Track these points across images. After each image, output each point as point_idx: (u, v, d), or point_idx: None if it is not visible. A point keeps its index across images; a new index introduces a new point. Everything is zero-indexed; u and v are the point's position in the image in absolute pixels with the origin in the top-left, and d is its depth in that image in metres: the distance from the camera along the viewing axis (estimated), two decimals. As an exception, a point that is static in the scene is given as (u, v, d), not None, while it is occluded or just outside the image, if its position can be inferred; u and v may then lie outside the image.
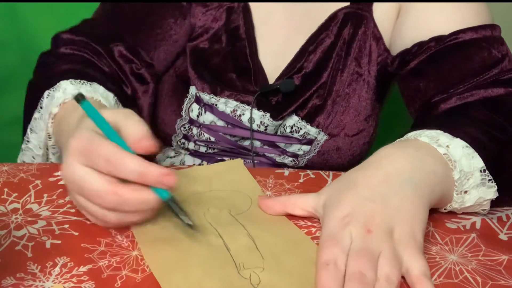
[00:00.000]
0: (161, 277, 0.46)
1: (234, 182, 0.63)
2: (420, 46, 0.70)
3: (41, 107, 0.65)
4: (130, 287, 0.45)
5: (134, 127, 0.50)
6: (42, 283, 0.45)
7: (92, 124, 0.50)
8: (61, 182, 0.62)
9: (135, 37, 0.77)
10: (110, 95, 0.66)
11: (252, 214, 0.56)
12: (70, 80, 0.64)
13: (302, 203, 0.55)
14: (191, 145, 0.83)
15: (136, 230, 0.53)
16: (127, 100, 0.72)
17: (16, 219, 0.54)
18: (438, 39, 0.68)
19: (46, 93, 0.65)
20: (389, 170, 0.52)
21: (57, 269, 0.47)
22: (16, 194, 0.59)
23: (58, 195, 0.59)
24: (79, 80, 0.65)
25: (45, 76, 0.69)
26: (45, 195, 0.59)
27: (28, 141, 0.69)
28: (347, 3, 0.76)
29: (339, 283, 0.44)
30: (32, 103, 0.67)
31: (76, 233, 0.52)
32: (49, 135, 0.66)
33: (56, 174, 0.63)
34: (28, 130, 0.68)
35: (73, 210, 0.56)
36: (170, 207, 0.50)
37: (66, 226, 0.53)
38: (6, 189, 0.59)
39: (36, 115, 0.66)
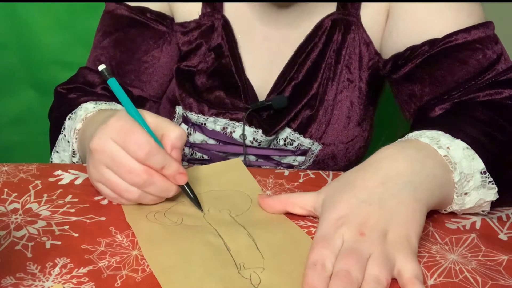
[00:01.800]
0: (161, 276, 0.46)
1: (234, 181, 0.63)
2: (413, 50, 0.69)
3: (63, 128, 0.70)
4: (130, 287, 0.45)
5: (176, 133, 0.56)
6: (42, 283, 0.45)
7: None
8: (61, 183, 0.62)
9: (124, 79, 0.79)
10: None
11: (252, 214, 0.56)
12: (90, 101, 0.70)
13: (302, 202, 0.55)
14: (184, 164, 0.82)
15: (137, 229, 0.53)
16: None
17: (16, 219, 0.54)
18: (431, 43, 0.67)
19: (67, 116, 0.70)
20: (388, 172, 0.51)
21: (57, 269, 0.47)
22: (16, 194, 0.59)
23: (58, 195, 0.59)
24: (96, 102, 0.70)
25: (65, 107, 0.73)
26: (45, 195, 0.59)
27: (51, 161, 0.73)
28: (333, 9, 0.75)
29: (325, 283, 0.44)
30: (56, 131, 0.72)
31: (76, 235, 0.52)
32: (73, 152, 0.68)
33: (55, 174, 0.63)
34: (52, 152, 0.72)
35: (73, 210, 0.56)
36: (184, 191, 0.57)
37: (66, 227, 0.53)
38: (6, 189, 0.59)
39: (60, 137, 0.71)
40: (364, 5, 0.74)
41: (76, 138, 0.67)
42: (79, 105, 0.70)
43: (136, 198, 0.55)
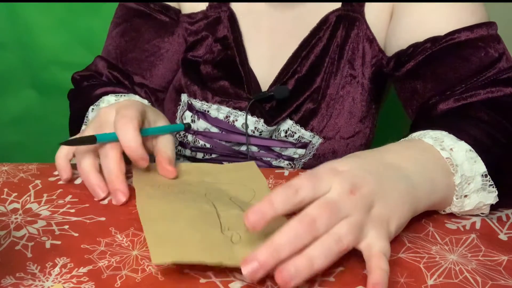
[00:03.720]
0: (145, 224, 0.49)
1: (243, 178, 0.64)
2: (415, 47, 0.69)
3: (87, 119, 0.73)
4: (130, 287, 0.45)
5: (163, 148, 0.63)
6: (42, 283, 0.45)
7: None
8: (61, 182, 0.62)
9: (127, 66, 0.82)
10: (145, 101, 0.75)
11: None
12: (110, 94, 0.74)
13: None
14: (187, 152, 0.83)
15: (138, 190, 0.57)
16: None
17: (16, 219, 0.54)
18: (433, 40, 0.68)
19: (90, 108, 0.73)
20: (392, 162, 0.52)
21: (57, 269, 0.47)
22: (16, 194, 0.59)
23: (58, 195, 0.59)
24: (117, 94, 0.74)
25: (84, 99, 0.76)
26: (45, 194, 0.59)
27: None
28: (338, 5, 0.75)
29: (288, 204, 0.44)
30: (78, 122, 0.75)
31: (76, 234, 0.52)
32: None
33: (56, 173, 0.63)
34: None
35: (73, 210, 0.56)
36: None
37: (66, 227, 0.53)
38: (6, 189, 0.59)
39: (83, 127, 0.73)
40: (368, 2, 0.75)
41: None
42: (101, 97, 0.73)
43: None
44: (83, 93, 0.79)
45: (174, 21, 0.81)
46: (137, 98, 0.74)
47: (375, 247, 0.45)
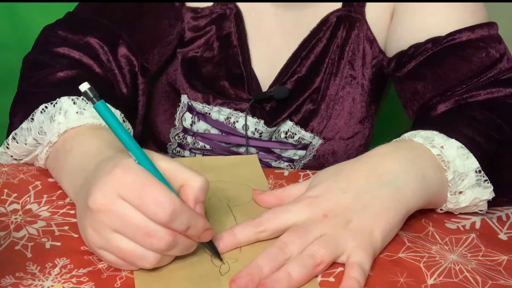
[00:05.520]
0: None
1: (244, 175, 0.64)
2: (416, 48, 0.69)
3: (32, 119, 0.58)
4: (129, 287, 0.45)
5: (200, 183, 0.47)
6: (42, 283, 0.45)
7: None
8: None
9: (131, 37, 0.70)
10: (117, 112, 0.60)
11: (250, 208, 0.57)
12: (72, 98, 0.57)
13: (298, 192, 0.55)
14: (186, 153, 0.82)
15: None
16: (121, 105, 0.63)
17: (16, 219, 0.54)
18: (434, 41, 0.68)
19: (41, 106, 0.58)
20: (375, 168, 0.53)
21: (57, 269, 0.47)
22: (16, 195, 0.59)
23: (57, 196, 0.59)
24: (81, 97, 0.58)
25: (39, 82, 0.63)
26: (45, 195, 0.59)
27: (7, 147, 0.61)
28: (339, 6, 0.75)
29: (251, 237, 0.49)
30: (20, 106, 0.62)
31: (76, 235, 0.52)
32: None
33: (56, 174, 0.63)
34: (11, 136, 0.60)
35: (72, 211, 0.56)
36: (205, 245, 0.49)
37: (66, 228, 0.53)
38: (6, 190, 0.59)
39: (24, 124, 0.59)
40: (369, 3, 0.75)
41: (47, 151, 0.57)
42: (57, 93, 0.58)
43: (154, 264, 0.45)
44: (48, 65, 0.63)
45: (180, 8, 0.76)
46: (101, 121, 0.55)
47: (352, 258, 0.47)
